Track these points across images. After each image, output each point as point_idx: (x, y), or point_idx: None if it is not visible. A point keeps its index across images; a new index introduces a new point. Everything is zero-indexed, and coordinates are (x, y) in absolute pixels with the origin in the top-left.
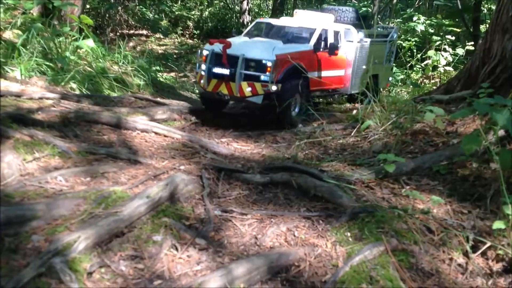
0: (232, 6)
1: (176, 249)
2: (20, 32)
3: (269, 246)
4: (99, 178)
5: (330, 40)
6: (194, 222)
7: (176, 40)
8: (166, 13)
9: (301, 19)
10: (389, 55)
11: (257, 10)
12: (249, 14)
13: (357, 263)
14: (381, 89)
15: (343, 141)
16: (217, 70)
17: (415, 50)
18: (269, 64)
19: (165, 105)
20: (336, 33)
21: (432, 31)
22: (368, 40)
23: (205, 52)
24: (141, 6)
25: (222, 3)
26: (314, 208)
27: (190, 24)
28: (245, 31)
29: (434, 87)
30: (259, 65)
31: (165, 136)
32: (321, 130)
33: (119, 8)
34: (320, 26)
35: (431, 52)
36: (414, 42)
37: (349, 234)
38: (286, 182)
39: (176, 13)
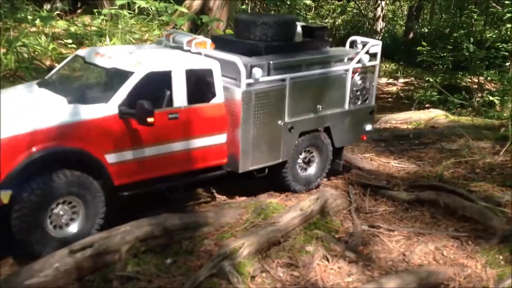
0: (366, 13)
1: (327, 260)
2: None
3: (417, 263)
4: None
5: (179, 89)
6: (343, 235)
7: None
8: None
9: (139, 49)
10: (360, 92)
11: (391, 16)
12: (383, 20)
13: (509, 286)
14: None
15: (491, 160)
16: None
17: None
18: None
19: None
20: (204, 74)
21: None
22: (287, 77)
23: None
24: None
25: (355, 10)
26: (463, 228)
27: None
28: (52, 71)
29: None
30: None
31: None
32: (467, 148)
33: None
34: (145, 68)
35: None
36: None
37: (500, 256)
38: (432, 201)
39: (310, 21)
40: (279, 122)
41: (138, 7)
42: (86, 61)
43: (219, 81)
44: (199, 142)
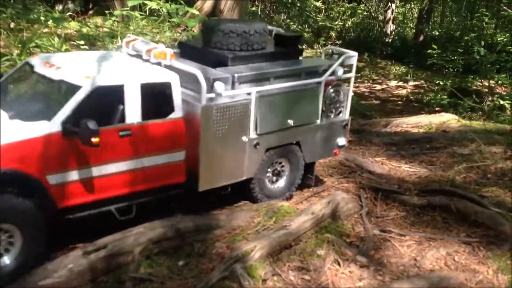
0: (376, 15)
1: (339, 264)
2: None
3: (429, 268)
4: None
5: (133, 104)
6: (354, 239)
7: (318, 50)
8: (310, 24)
9: (93, 58)
10: (333, 105)
11: (401, 19)
12: (393, 23)
13: None
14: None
15: (503, 165)
16: None
17: None
18: None
19: None
20: (162, 88)
21: None
22: (253, 90)
23: None
24: (286, 18)
25: (365, 13)
26: (474, 234)
27: (333, 34)
28: (1, 79)
29: None
30: None
31: None
32: (479, 153)
33: (265, 19)
34: (94, 82)
35: None
36: None
37: None
38: (444, 206)
39: (320, 23)
40: (243, 138)
41: (149, 8)
42: (34, 71)
43: (177, 95)
44: (154, 160)
